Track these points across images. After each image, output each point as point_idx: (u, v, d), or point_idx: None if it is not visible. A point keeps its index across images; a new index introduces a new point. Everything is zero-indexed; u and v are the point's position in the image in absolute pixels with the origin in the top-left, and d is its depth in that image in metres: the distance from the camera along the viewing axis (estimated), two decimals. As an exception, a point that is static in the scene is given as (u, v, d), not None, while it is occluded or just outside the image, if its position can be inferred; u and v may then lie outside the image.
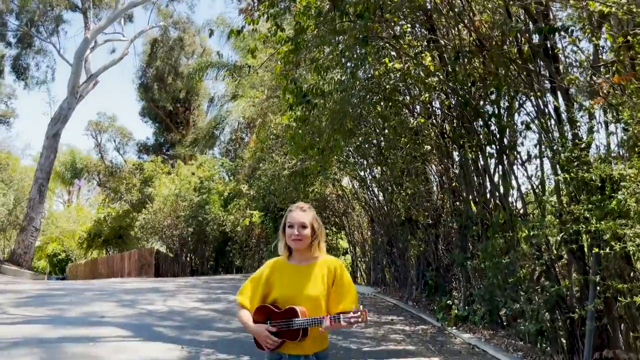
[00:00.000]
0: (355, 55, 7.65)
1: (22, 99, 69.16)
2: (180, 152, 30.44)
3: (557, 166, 5.57)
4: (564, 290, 5.93)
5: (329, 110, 8.86)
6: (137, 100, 35.70)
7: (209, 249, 26.99)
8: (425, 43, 7.77)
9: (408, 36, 8.01)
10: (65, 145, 38.40)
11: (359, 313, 2.74)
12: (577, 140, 5.28)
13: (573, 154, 4.94)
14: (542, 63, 6.56)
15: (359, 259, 18.19)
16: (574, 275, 5.89)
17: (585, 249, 5.84)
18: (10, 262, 20.76)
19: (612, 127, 5.25)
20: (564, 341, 6.20)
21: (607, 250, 4.29)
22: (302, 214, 2.98)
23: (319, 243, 3.01)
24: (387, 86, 8.11)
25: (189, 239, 26.25)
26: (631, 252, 4.19)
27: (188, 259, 27.83)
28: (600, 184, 5.14)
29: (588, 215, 4.41)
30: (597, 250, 4.58)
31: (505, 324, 7.80)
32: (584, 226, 4.45)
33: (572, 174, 4.80)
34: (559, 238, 5.57)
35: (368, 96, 8.35)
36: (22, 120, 73.87)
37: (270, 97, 19.57)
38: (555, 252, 6.46)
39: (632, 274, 4.51)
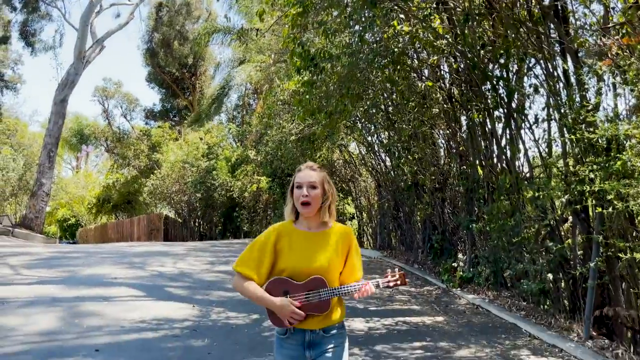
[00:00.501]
0: (363, 18, 7.61)
1: (28, 65, 68.77)
2: (189, 122, 30.36)
3: (564, 128, 5.59)
4: (568, 250, 6.03)
5: (337, 74, 8.85)
6: (143, 66, 35.56)
7: (217, 215, 27.26)
8: (434, 5, 7.69)
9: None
10: (72, 113, 38.47)
11: (398, 276, 2.63)
12: (584, 102, 5.30)
13: (580, 116, 4.97)
14: (552, 25, 6.52)
15: (366, 224, 18.37)
16: (578, 236, 5.98)
17: (590, 211, 5.92)
18: (22, 226, 21.10)
19: (620, 90, 5.26)
20: (566, 301, 6.34)
21: (610, 210, 4.36)
22: (311, 173, 2.69)
23: (329, 207, 2.70)
24: (395, 49, 8.07)
25: (197, 204, 26.50)
26: (634, 212, 4.26)
27: (196, 224, 28.17)
28: (606, 146, 5.19)
29: (592, 176, 4.46)
30: (600, 209, 4.65)
31: (509, 285, 7.94)
32: (588, 187, 4.52)
33: (577, 135, 4.84)
34: (564, 200, 5.64)
35: (376, 60, 8.32)
36: (29, 87, 73.67)
37: (277, 62, 19.46)
38: (559, 213, 6.55)
39: (634, 234, 4.59)
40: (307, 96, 9.53)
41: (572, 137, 4.94)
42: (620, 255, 3.93)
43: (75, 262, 11.97)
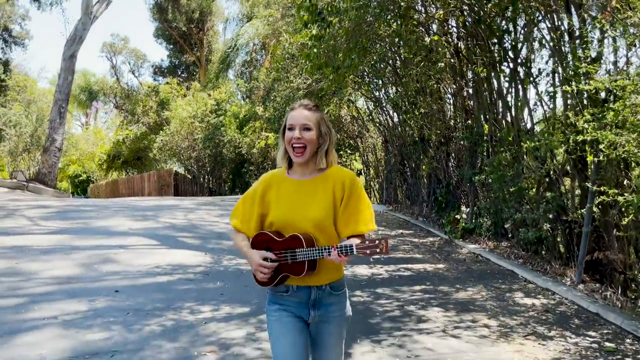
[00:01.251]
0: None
1: (36, 21, 68.41)
2: (201, 86, 30.29)
3: (565, 81, 5.74)
4: (565, 200, 6.27)
5: (344, 28, 8.93)
6: (151, 21, 35.36)
7: (226, 171, 27.58)
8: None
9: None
10: (79, 70, 38.48)
11: (377, 242, 2.16)
12: (585, 53, 5.42)
13: (578, 69, 5.11)
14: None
15: (373, 180, 18.64)
16: (575, 184, 6.21)
17: (589, 162, 6.12)
18: (36, 181, 21.53)
19: (619, 42, 5.36)
20: (562, 248, 6.62)
21: (602, 157, 4.56)
22: (305, 112, 2.34)
23: (327, 152, 2.36)
24: (402, 3, 8.13)
25: (206, 160, 26.81)
26: (628, 160, 4.45)
27: (206, 180, 28.56)
28: (604, 98, 5.35)
29: (587, 127, 4.65)
30: (591, 157, 4.85)
31: (509, 235, 8.22)
32: (582, 136, 4.71)
33: (574, 87, 5.00)
34: (561, 150, 5.83)
35: (383, 14, 8.39)
36: (37, 43, 73.52)
37: (284, 16, 19.35)
38: (559, 164, 6.76)
39: (625, 182, 4.79)
40: (315, 50, 9.62)
41: (569, 88, 5.09)
42: (617, 199, 4.10)
43: (90, 215, 12.37)
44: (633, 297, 5.15)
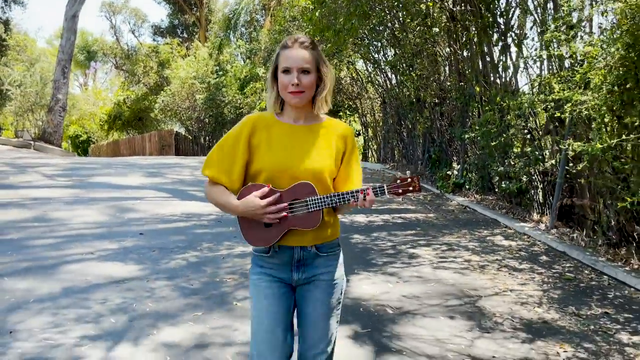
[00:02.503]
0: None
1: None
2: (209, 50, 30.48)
3: (546, 46, 6.36)
4: (544, 154, 6.98)
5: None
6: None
7: (227, 131, 28.10)
8: None
9: None
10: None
11: (410, 180, 2.00)
12: (565, 19, 6.00)
13: (558, 34, 5.71)
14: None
15: (371, 140, 19.30)
16: (550, 139, 6.90)
17: (565, 120, 6.79)
18: (42, 140, 22.14)
19: (594, 11, 5.95)
20: (541, 198, 7.37)
21: (568, 115, 5.23)
22: (303, 53, 2.01)
23: (326, 97, 2.08)
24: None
25: (207, 121, 27.35)
26: (591, 116, 5.10)
27: (206, 140, 29.16)
28: (579, 61, 5.99)
29: (557, 87, 5.30)
30: (559, 115, 5.52)
31: (495, 189, 8.96)
32: (553, 96, 5.36)
33: (551, 52, 5.63)
34: (539, 110, 6.49)
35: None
36: (33, 1, 72.60)
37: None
38: (541, 122, 7.44)
39: (590, 136, 5.44)
40: (317, 14, 10.18)
41: (544, 53, 5.72)
42: (585, 151, 4.77)
43: (100, 172, 13.06)
44: (594, 237, 5.92)
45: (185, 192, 10.00)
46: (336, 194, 2.00)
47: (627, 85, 4.23)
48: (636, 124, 3.98)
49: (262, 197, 1.99)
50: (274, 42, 18.18)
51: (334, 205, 2.01)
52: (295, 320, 2.18)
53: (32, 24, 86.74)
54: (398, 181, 2.00)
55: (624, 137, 4.14)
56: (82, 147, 43.49)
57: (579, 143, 4.53)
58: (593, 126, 5.22)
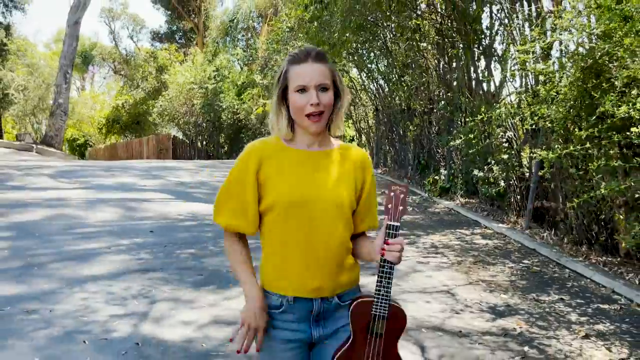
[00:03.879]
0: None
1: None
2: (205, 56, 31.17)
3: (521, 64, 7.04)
4: (520, 161, 7.66)
5: (340, 9, 10.14)
6: (149, -14, 35.91)
7: (223, 136, 28.80)
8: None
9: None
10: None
11: (397, 193, 1.70)
12: (536, 38, 6.66)
13: (527, 56, 6.38)
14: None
15: (364, 146, 19.98)
16: (528, 149, 7.58)
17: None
18: (43, 143, 22.74)
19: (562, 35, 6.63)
20: (519, 201, 8.04)
21: (533, 126, 5.91)
22: (321, 67, 1.72)
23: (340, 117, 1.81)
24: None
25: (204, 125, 27.97)
26: (553, 128, 5.75)
27: (203, 144, 29.79)
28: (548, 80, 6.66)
29: (527, 102, 5.95)
30: (527, 126, 6.19)
31: (479, 193, 9.63)
32: (522, 110, 6.02)
33: (524, 68, 6.30)
34: (515, 121, 7.17)
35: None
36: (32, 6, 73.26)
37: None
38: (521, 132, 8.11)
39: (557, 146, 6.08)
40: (313, 27, 10.86)
41: (514, 70, 6.41)
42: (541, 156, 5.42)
43: (103, 174, 13.65)
44: (561, 235, 6.58)
45: (189, 194, 10.61)
46: (385, 288, 1.67)
47: (580, 102, 4.88)
48: (583, 136, 4.63)
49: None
50: (272, 51, 18.85)
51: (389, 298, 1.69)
52: None
53: (30, 27, 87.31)
54: (390, 205, 1.67)
55: (575, 147, 4.81)
56: (79, 150, 43.99)
57: (543, 151, 5.18)
58: (553, 137, 5.88)
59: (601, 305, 4.61)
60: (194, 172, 15.22)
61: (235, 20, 26.80)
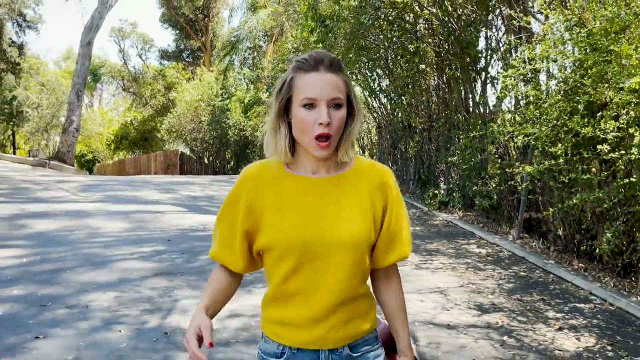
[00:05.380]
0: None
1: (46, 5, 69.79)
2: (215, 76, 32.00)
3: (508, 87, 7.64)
4: (513, 176, 8.23)
5: (344, 32, 10.81)
6: (158, 7, 36.91)
7: (230, 152, 29.49)
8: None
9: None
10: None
11: None
12: (525, 62, 7.27)
13: (518, 74, 6.97)
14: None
15: (368, 161, 20.58)
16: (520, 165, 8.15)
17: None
18: (56, 159, 23.40)
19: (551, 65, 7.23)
20: (510, 213, 8.59)
21: (519, 144, 6.49)
22: (334, 78, 1.41)
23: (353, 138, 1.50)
24: (390, 17, 10.00)
25: (212, 142, 28.68)
26: (538, 146, 6.31)
27: (210, 160, 30.47)
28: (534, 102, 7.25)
29: (519, 119, 6.54)
30: (512, 145, 6.77)
31: (475, 206, 10.18)
32: (509, 128, 6.61)
33: (511, 92, 6.90)
34: (507, 138, 7.74)
35: (376, 23, 10.27)
36: (44, 25, 74.79)
37: (287, 11, 21.14)
38: (514, 150, 8.69)
39: (541, 162, 6.64)
40: (318, 49, 11.51)
41: (504, 92, 7.01)
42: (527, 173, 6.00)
43: (117, 188, 14.30)
44: (548, 244, 7.13)
45: (201, 207, 11.20)
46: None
47: (560, 122, 5.45)
48: (558, 153, 5.20)
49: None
50: (278, 71, 19.56)
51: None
52: None
53: (40, 45, 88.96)
54: None
55: (550, 163, 5.39)
56: (87, 166, 44.85)
57: (527, 167, 5.75)
58: (535, 153, 6.46)
59: (577, 305, 5.15)
60: (204, 186, 15.84)
61: (241, 40, 27.63)
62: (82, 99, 24.12)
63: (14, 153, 31.39)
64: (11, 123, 27.46)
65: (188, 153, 31.12)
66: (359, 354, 1.51)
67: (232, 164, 29.92)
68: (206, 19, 35.61)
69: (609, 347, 4.12)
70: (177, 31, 37.04)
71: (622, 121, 4.46)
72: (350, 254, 1.44)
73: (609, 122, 4.51)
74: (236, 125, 26.37)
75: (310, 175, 1.49)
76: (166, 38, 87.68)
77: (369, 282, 1.59)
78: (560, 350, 4.05)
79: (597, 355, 3.97)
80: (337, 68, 1.43)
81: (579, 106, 4.94)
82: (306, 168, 1.50)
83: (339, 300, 1.45)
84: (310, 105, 1.39)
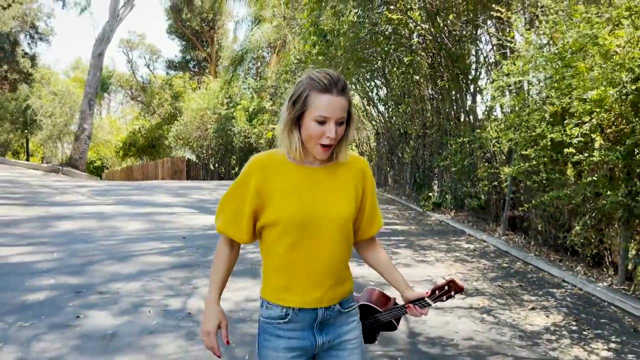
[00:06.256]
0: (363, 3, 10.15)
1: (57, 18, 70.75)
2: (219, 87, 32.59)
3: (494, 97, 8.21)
4: (498, 177, 8.78)
5: (343, 45, 11.40)
6: (165, 19, 37.61)
7: (235, 158, 30.04)
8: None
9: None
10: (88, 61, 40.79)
11: (447, 288, 1.78)
12: (507, 74, 7.83)
13: (497, 87, 7.53)
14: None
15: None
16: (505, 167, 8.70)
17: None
18: (69, 166, 23.98)
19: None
20: (497, 212, 9.13)
21: (497, 149, 7.03)
22: (343, 101, 1.70)
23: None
24: (387, 32, 10.59)
25: (217, 149, 29.25)
26: (517, 150, 6.86)
27: (215, 166, 31.03)
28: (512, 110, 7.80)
29: (502, 127, 7.10)
30: (494, 148, 7.31)
31: (466, 207, 10.72)
32: (491, 134, 7.17)
33: (498, 101, 7.47)
34: (493, 143, 8.30)
35: (373, 37, 10.85)
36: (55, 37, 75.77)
37: (289, 24, 21.76)
38: (502, 154, 9.24)
39: (521, 164, 7.19)
40: (319, 62, 12.10)
41: (494, 102, 7.58)
42: (506, 173, 6.58)
43: (130, 192, 14.82)
44: (529, 239, 7.67)
45: (210, 209, 11.73)
46: (394, 310, 1.99)
47: (535, 129, 6.01)
48: (533, 155, 5.75)
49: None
50: (282, 81, 20.16)
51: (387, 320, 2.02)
52: None
53: (49, 56, 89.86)
54: (437, 291, 1.81)
55: (522, 164, 5.95)
56: (95, 172, 45.41)
57: (506, 168, 6.31)
58: (515, 156, 7.02)
59: (550, 290, 5.69)
60: (213, 190, 16.37)
61: (245, 49, 28.25)
62: (93, 108, 24.72)
63: (27, 160, 32.00)
64: (25, 131, 28.05)
65: (194, 159, 31.71)
66: (346, 309, 1.88)
67: (236, 169, 30.46)
68: (211, 30, 36.28)
69: (573, 323, 4.66)
70: (184, 42, 37.70)
71: (585, 128, 5.01)
72: (339, 229, 1.79)
73: (574, 128, 5.06)
74: (241, 133, 26.94)
75: (309, 165, 1.81)
76: (173, 49, 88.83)
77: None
78: (530, 325, 4.59)
79: (562, 329, 4.51)
80: (345, 91, 1.71)
81: (546, 115, 5.50)
82: (307, 160, 1.81)
83: (332, 268, 1.80)
84: (322, 121, 1.68)
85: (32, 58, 32.60)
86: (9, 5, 29.28)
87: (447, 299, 1.81)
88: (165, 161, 31.93)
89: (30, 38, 33.02)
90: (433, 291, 1.82)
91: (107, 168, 43.32)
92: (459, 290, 1.78)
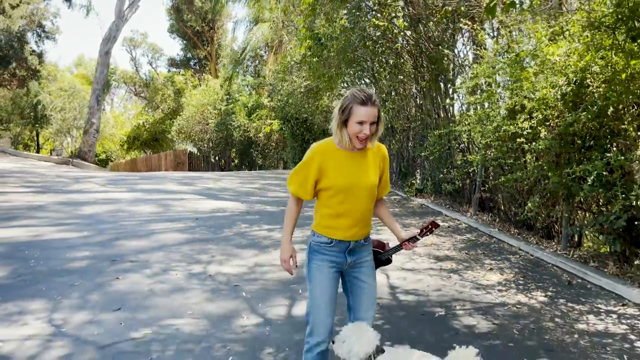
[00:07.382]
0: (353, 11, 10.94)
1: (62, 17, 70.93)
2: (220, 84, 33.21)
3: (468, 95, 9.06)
4: (471, 164, 9.65)
5: (336, 48, 12.19)
6: (167, 19, 38.10)
7: (234, 151, 30.77)
8: (400, 8, 11.00)
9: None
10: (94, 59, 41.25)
11: (430, 227, 2.74)
12: (474, 76, 8.66)
13: (466, 87, 8.38)
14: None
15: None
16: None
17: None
18: (79, 158, 24.70)
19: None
20: (469, 195, 10.00)
21: (469, 139, 7.88)
22: (374, 110, 2.53)
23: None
24: (375, 36, 11.40)
25: (218, 142, 29.96)
26: (483, 141, 7.71)
27: (216, 159, 31.75)
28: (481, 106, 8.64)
29: (470, 122, 7.96)
30: (465, 139, 8.16)
31: (444, 192, 11.61)
32: (461, 127, 8.03)
33: (466, 100, 8.33)
34: (464, 135, 9.16)
35: (363, 41, 11.66)
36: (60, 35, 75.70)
37: (286, 26, 22.47)
38: (477, 144, 10.10)
39: (491, 153, 8.06)
40: (315, 61, 12.90)
41: (469, 99, 8.44)
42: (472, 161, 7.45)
43: (140, 182, 15.54)
44: (494, 217, 8.56)
45: (216, 195, 12.55)
46: (392, 249, 2.92)
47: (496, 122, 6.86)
48: (494, 145, 6.64)
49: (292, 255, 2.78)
50: (280, 80, 20.88)
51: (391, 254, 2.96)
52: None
53: (54, 53, 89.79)
54: (423, 230, 2.73)
55: (486, 153, 6.82)
56: (100, 165, 46.04)
57: (472, 156, 7.16)
58: (481, 146, 7.89)
59: (507, 256, 6.58)
60: (216, 180, 17.15)
61: (243, 48, 28.97)
62: (101, 103, 25.41)
63: (38, 152, 32.60)
64: (36, 125, 28.66)
65: (196, 152, 32.40)
66: (367, 243, 2.82)
67: (236, 161, 31.23)
68: (211, 30, 36.84)
69: (521, 279, 5.55)
70: (185, 41, 38.20)
71: (533, 122, 5.86)
72: (369, 192, 2.67)
73: (524, 122, 5.92)
74: (241, 127, 27.66)
75: (350, 150, 2.65)
76: (174, 47, 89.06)
77: None
78: (487, 281, 5.47)
79: (512, 283, 5.40)
80: (376, 103, 2.53)
81: (500, 110, 6.37)
82: (347, 147, 2.63)
83: (364, 216, 2.70)
84: (360, 123, 2.52)
85: (40, 55, 33.03)
86: (17, 5, 29.77)
87: (430, 234, 2.73)
88: (168, 154, 32.56)
89: (37, 36, 33.43)
90: (421, 230, 2.74)
91: (112, 161, 43.89)
92: (437, 226, 2.72)
